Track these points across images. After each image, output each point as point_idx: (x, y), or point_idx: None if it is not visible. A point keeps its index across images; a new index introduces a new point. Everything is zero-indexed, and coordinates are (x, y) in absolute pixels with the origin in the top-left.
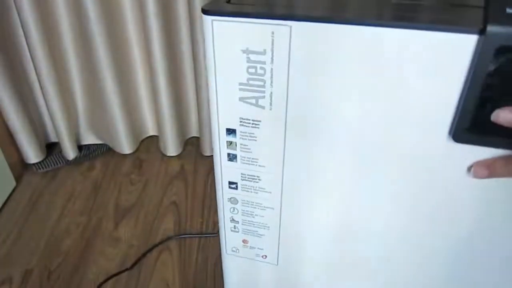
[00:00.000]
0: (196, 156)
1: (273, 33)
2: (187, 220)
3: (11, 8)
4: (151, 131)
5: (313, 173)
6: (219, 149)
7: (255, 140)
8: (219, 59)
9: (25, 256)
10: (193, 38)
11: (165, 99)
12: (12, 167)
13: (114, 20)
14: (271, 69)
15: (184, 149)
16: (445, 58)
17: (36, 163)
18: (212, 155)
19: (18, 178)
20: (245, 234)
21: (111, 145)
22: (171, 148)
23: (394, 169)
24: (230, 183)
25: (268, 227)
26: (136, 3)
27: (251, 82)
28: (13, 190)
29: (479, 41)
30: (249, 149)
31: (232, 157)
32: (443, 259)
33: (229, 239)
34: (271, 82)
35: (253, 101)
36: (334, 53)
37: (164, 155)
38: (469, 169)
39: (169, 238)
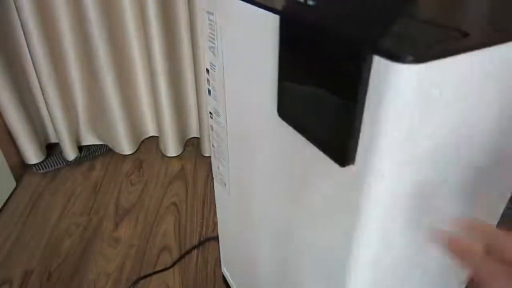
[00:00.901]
0: (196, 156)
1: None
2: (187, 220)
3: (11, 8)
4: (151, 131)
5: (243, 121)
6: (204, 83)
7: (215, 81)
8: (200, 18)
9: (25, 257)
10: (193, 39)
11: (165, 99)
12: (12, 168)
13: (114, 20)
14: (216, 27)
15: (184, 150)
16: (260, 32)
17: (36, 163)
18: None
19: (18, 179)
20: (217, 159)
21: (111, 146)
22: (171, 148)
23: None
24: (209, 113)
25: (225, 158)
26: (136, 4)
27: (211, 35)
28: (13, 191)
29: (279, 22)
30: (214, 87)
31: (209, 92)
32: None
33: (213, 164)
34: (217, 37)
35: (213, 50)
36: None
37: (164, 156)
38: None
39: (208, 239)
